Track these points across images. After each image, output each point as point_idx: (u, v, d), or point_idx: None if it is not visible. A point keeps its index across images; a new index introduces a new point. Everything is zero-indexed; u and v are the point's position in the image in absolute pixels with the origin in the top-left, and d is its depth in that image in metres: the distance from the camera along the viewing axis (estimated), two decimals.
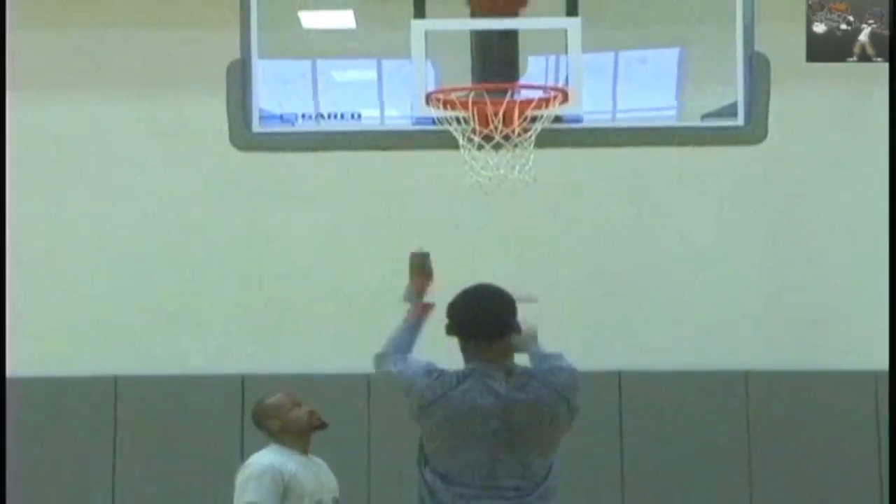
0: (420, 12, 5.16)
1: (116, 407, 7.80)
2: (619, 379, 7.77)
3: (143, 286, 8.01)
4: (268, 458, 4.72)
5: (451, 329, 4.05)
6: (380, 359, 4.21)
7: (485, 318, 4.02)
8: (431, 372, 4.02)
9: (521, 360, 4.12)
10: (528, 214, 7.76)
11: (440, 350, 4.14)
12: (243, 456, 7.63)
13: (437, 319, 4.19)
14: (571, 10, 5.14)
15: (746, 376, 7.79)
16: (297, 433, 4.76)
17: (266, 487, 4.58)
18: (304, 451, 4.78)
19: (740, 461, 7.71)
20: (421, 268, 4.34)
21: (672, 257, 8.02)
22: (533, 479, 3.93)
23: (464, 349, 4.06)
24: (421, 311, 4.29)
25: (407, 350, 4.19)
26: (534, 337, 4.17)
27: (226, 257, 8.04)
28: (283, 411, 4.81)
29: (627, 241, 8.02)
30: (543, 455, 3.97)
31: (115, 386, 7.82)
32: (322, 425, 4.77)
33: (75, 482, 7.73)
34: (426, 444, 4.02)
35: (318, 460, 4.82)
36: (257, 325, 7.98)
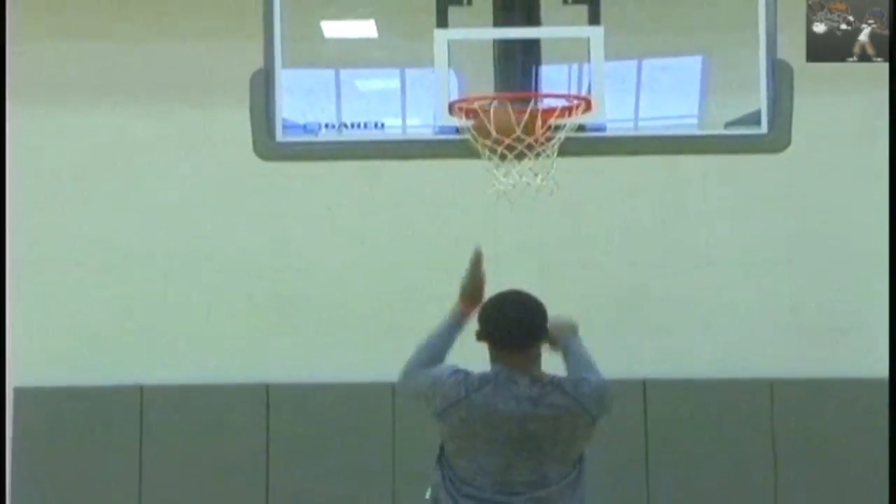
0: (443, 21, 5.16)
1: (142, 416, 7.82)
2: (643, 387, 7.75)
3: (167, 295, 8.04)
4: None
5: (481, 335, 4.09)
6: (406, 375, 4.25)
7: (514, 325, 4.06)
8: (457, 372, 4.06)
9: (552, 363, 4.14)
10: (551, 223, 7.76)
11: (468, 352, 4.19)
12: (268, 464, 7.76)
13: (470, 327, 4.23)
14: (594, 18, 5.13)
15: (771, 385, 7.76)
16: None
17: None
18: None
19: (766, 469, 7.68)
20: (478, 265, 4.38)
21: (696, 266, 7.99)
22: (547, 483, 3.95)
23: (492, 354, 4.08)
24: (469, 307, 4.28)
25: (438, 360, 4.20)
26: (572, 328, 4.20)
27: (251, 267, 8.06)
28: None
29: (651, 250, 8.00)
30: (562, 462, 3.98)
31: (140, 395, 7.85)
32: None
33: (101, 493, 7.75)
34: (446, 444, 4.06)
35: None
36: (282, 335, 8.00)
